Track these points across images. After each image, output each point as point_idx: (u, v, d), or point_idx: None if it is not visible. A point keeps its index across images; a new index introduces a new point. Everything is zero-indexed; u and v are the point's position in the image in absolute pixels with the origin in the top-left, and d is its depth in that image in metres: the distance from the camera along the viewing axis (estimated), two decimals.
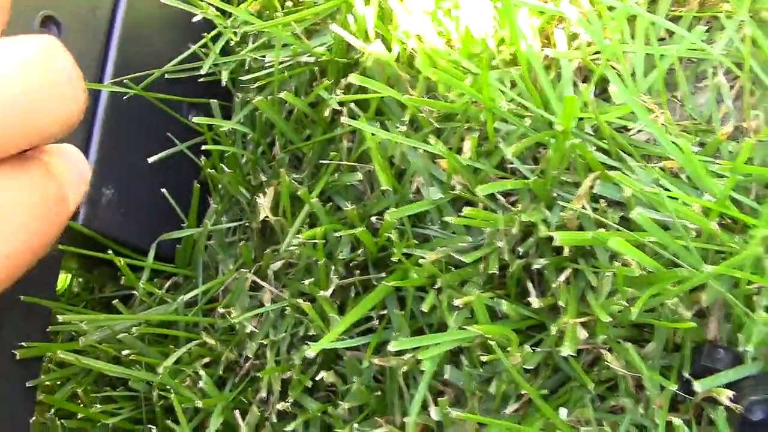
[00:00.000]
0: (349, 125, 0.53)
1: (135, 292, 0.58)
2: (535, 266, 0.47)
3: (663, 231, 0.41)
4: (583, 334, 0.46)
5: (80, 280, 0.66)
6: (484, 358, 0.44)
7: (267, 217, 0.56)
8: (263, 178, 0.59)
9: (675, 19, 0.53)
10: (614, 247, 0.39)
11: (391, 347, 0.43)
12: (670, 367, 0.46)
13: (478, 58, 0.51)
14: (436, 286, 0.47)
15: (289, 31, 0.56)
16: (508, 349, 0.45)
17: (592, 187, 0.47)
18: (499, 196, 0.50)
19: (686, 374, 0.44)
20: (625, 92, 0.45)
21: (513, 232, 0.47)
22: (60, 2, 0.56)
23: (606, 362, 0.45)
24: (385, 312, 0.52)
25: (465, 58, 0.51)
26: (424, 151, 0.49)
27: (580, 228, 0.48)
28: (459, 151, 0.50)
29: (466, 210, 0.44)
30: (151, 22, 0.63)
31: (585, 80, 0.54)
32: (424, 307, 0.45)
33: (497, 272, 0.47)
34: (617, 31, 0.50)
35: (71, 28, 0.56)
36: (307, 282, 0.50)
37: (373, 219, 0.53)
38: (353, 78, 0.49)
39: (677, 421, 0.43)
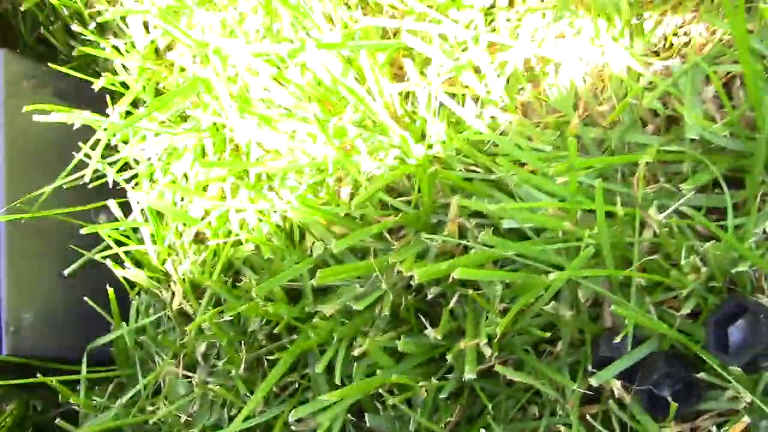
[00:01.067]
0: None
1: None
2: (429, 296, 0.48)
3: (520, 243, 0.42)
4: (487, 351, 0.46)
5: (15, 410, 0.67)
6: (391, 401, 0.45)
7: (182, 304, 0.57)
8: (172, 268, 0.60)
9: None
10: (459, 276, 0.40)
11: (292, 417, 0.44)
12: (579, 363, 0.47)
13: (334, 109, 0.52)
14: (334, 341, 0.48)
15: (156, 122, 0.57)
16: (421, 384, 0.46)
17: (460, 208, 0.47)
18: (386, 235, 0.51)
19: (590, 368, 0.45)
20: (466, 114, 0.46)
21: (397, 271, 0.47)
22: None
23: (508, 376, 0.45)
24: (306, 371, 0.53)
25: (318, 112, 0.52)
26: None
27: (465, 250, 0.49)
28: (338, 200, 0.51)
29: (320, 272, 0.45)
30: (37, 141, 0.64)
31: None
32: (318, 369, 0.46)
33: (388, 313, 0.47)
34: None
35: None
36: (220, 363, 0.51)
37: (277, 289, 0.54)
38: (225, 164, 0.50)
39: (590, 418, 0.44)
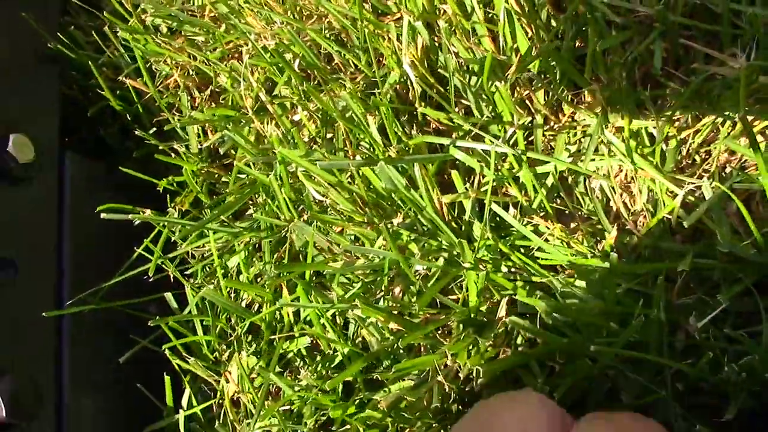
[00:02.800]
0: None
1: None
2: (476, 389, 0.52)
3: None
4: None
5: None
6: None
7: (237, 393, 0.61)
8: (227, 358, 0.64)
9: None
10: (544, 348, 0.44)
11: None
12: None
13: (383, 213, 0.57)
14: None
15: (218, 222, 0.62)
16: None
17: (511, 308, 0.52)
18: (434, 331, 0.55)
19: None
20: (512, 221, 0.51)
21: (449, 364, 0.52)
22: (12, 243, 0.62)
23: None
24: None
25: (375, 217, 0.57)
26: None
27: (514, 345, 0.53)
28: (390, 297, 0.56)
29: (409, 362, 0.49)
30: (98, 237, 0.69)
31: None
32: None
33: (438, 404, 0.51)
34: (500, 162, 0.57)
35: (26, 266, 0.62)
36: None
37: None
38: (284, 268, 0.55)
39: None
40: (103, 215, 0.65)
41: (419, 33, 0.58)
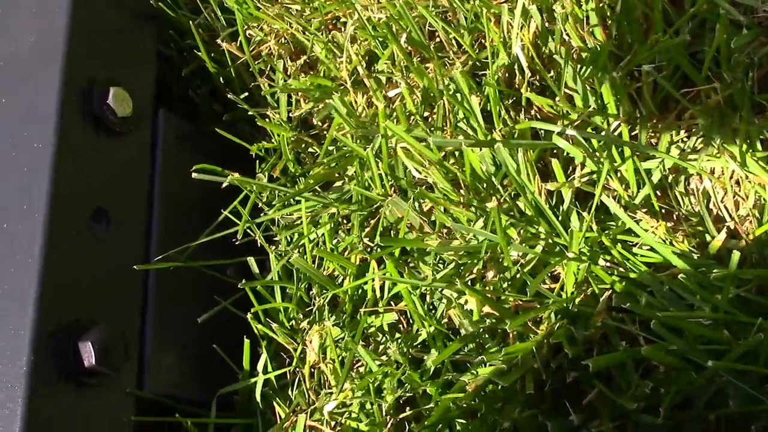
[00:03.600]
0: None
1: None
2: (568, 379, 0.52)
3: (679, 339, 0.46)
4: None
5: None
6: None
7: (317, 362, 0.61)
8: (306, 326, 0.64)
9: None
10: (647, 354, 0.44)
11: None
12: None
13: (486, 196, 0.57)
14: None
15: (309, 190, 0.62)
16: None
17: (609, 303, 0.52)
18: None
19: None
20: (622, 215, 0.51)
21: (544, 353, 0.51)
22: (107, 195, 0.62)
23: None
24: None
25: (474, 199, 0.57)
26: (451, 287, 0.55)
27: (604, 337, 0.53)
28: (482, 282, 0.56)
29: (505, 349, 0.49)
30: (185, 196, 0.69)
31: (580, 197, 0.60)
32: None
33: (533, 391, 0.51)
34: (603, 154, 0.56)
35: (118, 219, 0.63)
36: (363, 425, 0.55)
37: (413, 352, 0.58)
38: (381, 241, 0.54)
39: None
40: (194, 175, 0.66)
41: (533, 17, 0.57)
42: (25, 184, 0.59)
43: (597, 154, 0.57)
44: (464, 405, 0.52)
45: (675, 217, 0.58)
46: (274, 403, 0.65)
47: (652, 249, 0.55)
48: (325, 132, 0.73)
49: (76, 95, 0.62)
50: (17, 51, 0.64)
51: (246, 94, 0.73)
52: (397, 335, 0.63)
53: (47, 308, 0.55)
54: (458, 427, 0.54)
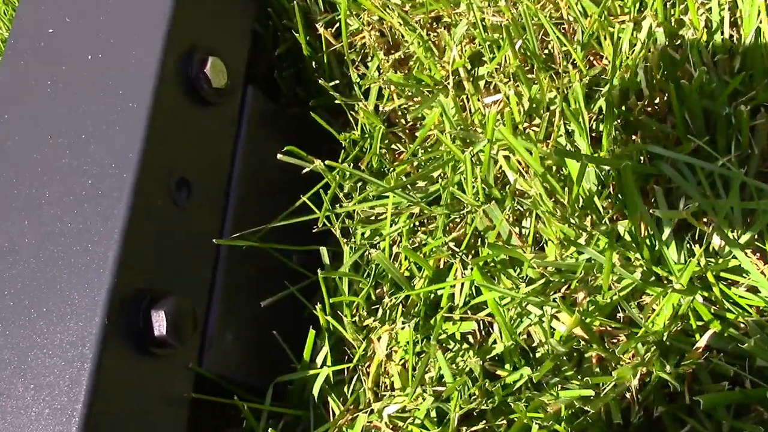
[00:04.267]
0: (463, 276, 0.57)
1: None
2: (655, 414, 0.50)
3: None
4: None
5: None
6: None
7: (384, 362, 0.60)
8: (375, 324, 0.63)
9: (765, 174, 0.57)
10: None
11: None
12: None
13: (587, 213, 0.55)
14: None
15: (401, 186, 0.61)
16: None
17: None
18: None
19: None
20: (740, 255, 0.49)
21: (635, 383, 0.50)
22: (191, 165, 0.61)
23: None
24: None
25: (573, 215, 0.55)
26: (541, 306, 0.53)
27: (695, 377, 0.51)
28: (573, 303, 0.54)
29: (600, 377, 0.48)
30: (262, 176, 0.68)
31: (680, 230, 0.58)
32: None
33: (620, 420, 0.50)
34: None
35: (200, 189, 0.61)
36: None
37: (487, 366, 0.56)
38: (489, 248, 0.53)
39: None
40: (280, 156, 0.64)
41: (657, 38, 0.56)
42: (114, 144, 0.58)
43: (703, 186, 0.56)
44: (544, 425, 0.51)
45: None
46: (330, 399, 0.64)
47: (750, 290, 0.54)
48: (408, 130, 0.72)
49: (176, 58, 0.60)
50: (124, 6, 0.62)
51: (336, 82, 0.72)
52: (465, 345, 0.61)
53: (125, 271, 0.54)
54: None
